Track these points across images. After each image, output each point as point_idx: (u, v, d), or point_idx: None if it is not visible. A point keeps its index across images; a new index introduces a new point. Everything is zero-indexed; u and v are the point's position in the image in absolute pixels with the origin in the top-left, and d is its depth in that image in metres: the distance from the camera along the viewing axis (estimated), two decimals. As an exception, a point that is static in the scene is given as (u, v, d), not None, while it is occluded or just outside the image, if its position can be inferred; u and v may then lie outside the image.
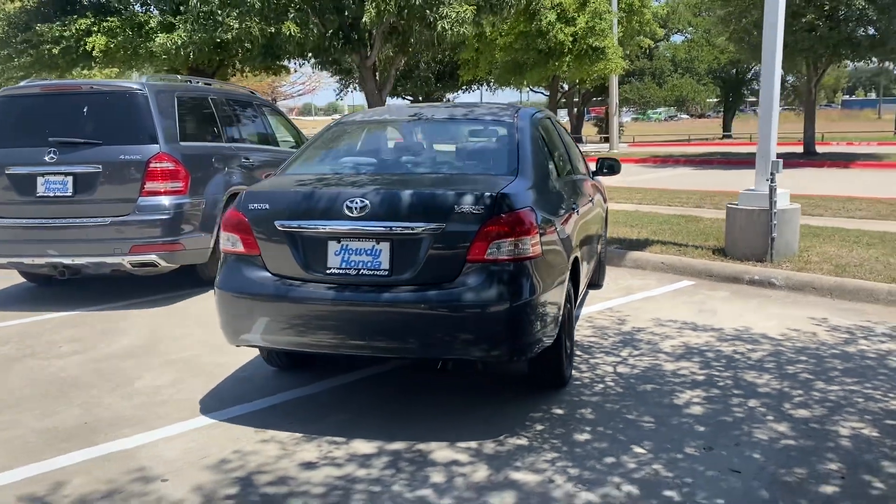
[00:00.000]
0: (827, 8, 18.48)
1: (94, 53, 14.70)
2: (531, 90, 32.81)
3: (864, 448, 3.53)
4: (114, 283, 7.29)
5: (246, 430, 3.88)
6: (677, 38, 44.18)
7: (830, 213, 10.26)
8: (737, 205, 7.56)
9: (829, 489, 3.16)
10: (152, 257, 6.37)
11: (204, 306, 6.45)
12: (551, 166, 4.48)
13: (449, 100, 41.09)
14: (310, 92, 43.23)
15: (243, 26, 10.71)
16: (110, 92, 6.59)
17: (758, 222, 7.29)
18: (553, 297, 3.85)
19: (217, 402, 4.25)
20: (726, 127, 45.10)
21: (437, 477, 3.33)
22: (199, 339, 5.46)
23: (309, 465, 3.47)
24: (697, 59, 42.80)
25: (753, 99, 54.24)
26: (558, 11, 23.64)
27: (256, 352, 5.06)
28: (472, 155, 4.41)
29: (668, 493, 3.15)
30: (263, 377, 4.65)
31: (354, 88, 36.06)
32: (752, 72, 49.15)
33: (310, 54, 11.82)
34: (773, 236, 7.19)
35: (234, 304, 3.88)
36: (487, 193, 3.62)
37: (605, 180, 7.76)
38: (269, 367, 4.75)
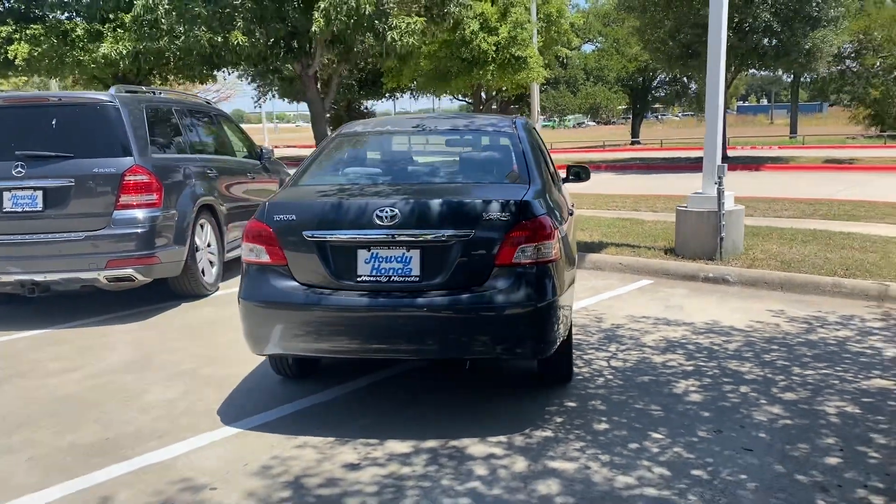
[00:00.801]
0: (736, 20, 19.61)
1: (17, 62, 14.10)
2: (455, 98, 33.27)
3: (851, 424, 3.93)
4: (81, 300, 7.12)
5: (276, 437, 3.96)
6: (588, 48, 45.65)
7: (759, 214, 10.97)
8: (686, 207, 8.05)
9: (832, 461, 3.53)
10: (129, 271, 6.29)
11: (185, 319, 6.41)
12: (549, 174, 4.74)
13: (367, 108, 41.18)
14: (225, 99, 42.30)
15: (190, 35, 10.57)
16: (79, 104, 6.46)
17: (707, 223, 7.79)
18: (567, 298, 4.11)
19: (236, 412, 4.30)
20: (634, 133, 46.88)
21: (481, 470, 3.52)
22: (193, 353, 5.45)
23: (353, 467, 3.59)
24: (607, 68, 44.36)
25: (658, 106, 56.68)
26: (481, 21, 24.10)
27: (257, 362, 5.12)
28: (483, 164, 4.62)
29: (695, 472, 3.44)
30: (273, 386, 4.71)
31: (273, 96, 35.65)
32: (658, 80, 51.37)
33: (251, 63, 11.75)
34: (721, 236, 7.70)
35: (261, 314, 3.96)
36: (512, 201, 3.84)
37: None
38: (276, 376, 4.82)
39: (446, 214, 3.80)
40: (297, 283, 3.93)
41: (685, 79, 49.49)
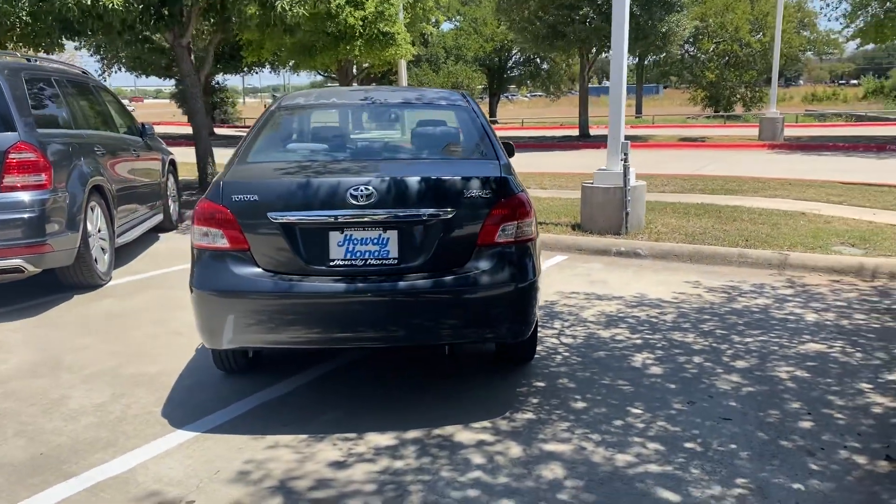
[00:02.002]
0: (600, 2, 20.31)
1: None
2: (320, 74, 32.29)
3: (807, 387, 4.12)
4: (-51, 295, 6.25)
5: (240, 438, 3.61)
6: (446, 27, 45.83)
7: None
8: (592, 183, 8.21)
9: (806, 424, 3.67)
10: (17, 262, 5.58)
11: (83, 313, 5.78)
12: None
13: (219, 83, 39.19)
14: (61, 72, 38.64)
15: (54, -1, 9.44)
16: (-52, 72, 5.61)
17: (613, 199, 7.99)
18: (540, 277, 4.03)
19: (184, 414, 3.90)
20: (492, 112, 47.75)
21: (477, 458, 3.38)
22: (106, 350, 4.91)
23: (339, 465, 3.34)
24: (465, 47, 44.79)
25: (513, 86, 57.98)
26: (347, -6, 23.51)
27: (186, 357, 4.71)
28: (445, 139, 4.41)
29: (688, 445, 3.47)
30: (215, 383, 4.32)
31: (120, 69, 33.17)
32: (513, 60, 52.52)
33: (118, 31, 10.71)
34: (627, 211, 7.92)
35: (221, 304, 3.59)
36: (492, 178, 3.68)
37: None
38: (216, 371, 4.43)
39: (425, 192, 3.59)
40: (261, 270, 3.58)
41: (538, 59, 51.01)
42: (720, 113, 40.60)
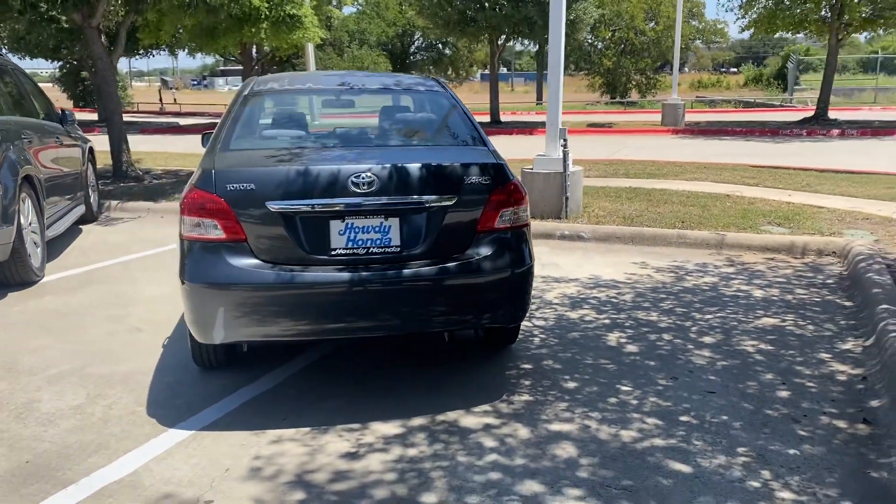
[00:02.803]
0: (510, -10, 20.55)
1: None
2: (222, 57, 31.11)
3: (774, 359, 4.38)
4: None
5: (241, 435, 3.52)
6: (348, 10, 45.24)
7: (569, 174, 11.69)
8: (532, 169, 8.36)
9: (783, 393, 3.91)
10: (-50, 259, 5.18)
11: (24, 313, 5.44)
12: None
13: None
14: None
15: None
16: None
17: (553, 184, 8.17)
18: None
19: (173, 413, 3.75)
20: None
21: (489, 441, 3.42)
22: (64, 350, 4.66)
23: (352, 456, 3.31)
24: (367, 31, 44.40)
25: (413, 72, 57.81)
26: (252, -24, 22.80)
27: (155, 355, 4.55)
28: (430, 124, 4.37)
29: (684, 418, 3.63)
30: (196, 379, 4.18)
31: (2, 51, 30.90)
32: (416, 45, 52.49)
33: (20, 11, 9.98)
34: (567, 195, 8.12)
35: (217, 298, 3.46)
36: (490, 164, 3.71)
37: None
38: (194, 367, 4.28)
39: (426, 179, 3.58)
40: (259, 261, 3.48)
41: (440, 45, 51.17)
42: (617, 99, 41.92)
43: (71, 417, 3.72)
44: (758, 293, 5.70)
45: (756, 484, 3.03)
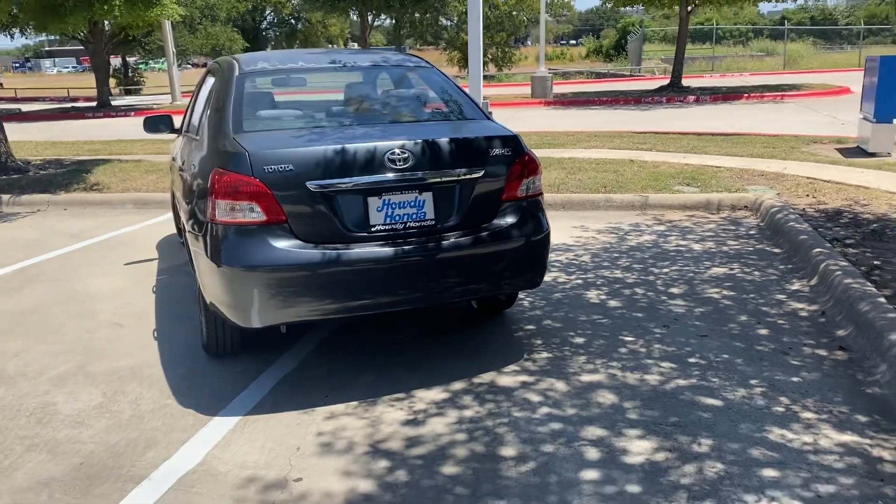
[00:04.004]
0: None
1: None
2: (69, 36, 28.76)
3: (741, 303, 4.87)
4: None
5: (291, 415, 3.55)
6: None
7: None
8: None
9: (763, 331, 4.39)
10: None
11: (-22, 316, 5.06)
12: None
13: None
14: None
15: None
16: None
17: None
18: None
19: (206, 402, 3.71)
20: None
21: (534, 396, 3.65)
22: (51, 351, 4.43)
23: (415, 422, 3.43)
24: (217, 7, 42.62)
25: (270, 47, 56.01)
26: (102, -50, 21.34)
27: (147, 347, 4.47)
28: (434, 100, 4.44)
29: (692, 360, 4.02)
30: (212, 368, 4.12)
31: None
32: (267, 20, 51.03)
33: None
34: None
35: (260, 281, 3.44)
36: (508, 136, 3.89)
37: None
38: (202, 356, 4.24)
39: (456, 153, 3.72)
40: (301, 242, 3.50)
41: (293, 20, 50.05)
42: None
43: (100, 417, 3.59)
44: (696, 246, 6.24)
45: (780, 409, 3.44)
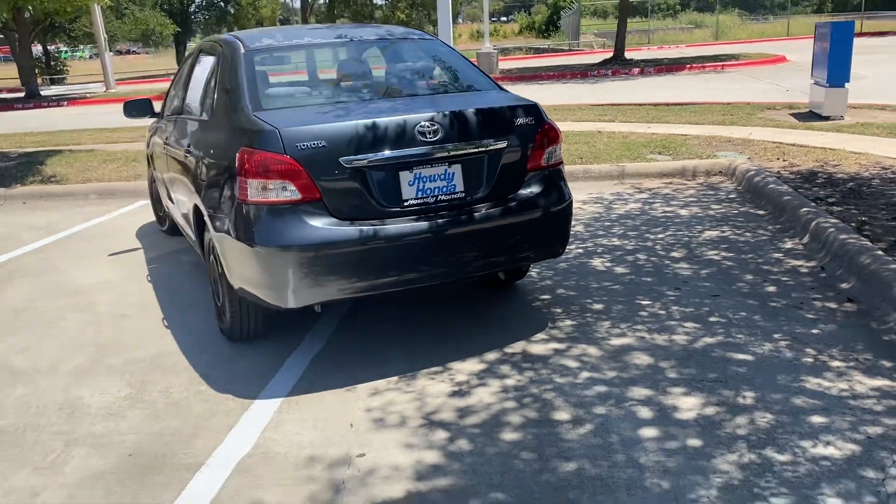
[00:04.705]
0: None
1: None
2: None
3: (742, 263, 5.00)
4: None
5: (333, 393, 3.52)
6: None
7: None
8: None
9: (771, 288, 4.53)
10: None
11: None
12: None
13: None
14: None
15: None
16: None
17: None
18: None
19: (242, 386, 3.64)
20: (179, 61, 44.88)
21: (571, 363, 3.70)
22: (59, 345, 4.29)
23: (461, 393, 3.45)
24: (142, -9, 41.21)
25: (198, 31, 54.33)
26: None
27: (159, 336, 4.38)
28: (447, 72, 4.39)
29: (712, 319, 4.12)
30: (237, 353, 4.05)
31: None
32: (196, 4, 49.52)
33: None
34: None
35: (297, 259, 3.39)
36: (529, 105, 3.90)
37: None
38: (222, 341, 4.18)
39: (482, 124, 3.71)
40: (336, 219, 3.45)
41: (222, 3, 48.73)
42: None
43: (133, 408, 3.49)
44: (683, 212, 6.38)
45: (809, 360, 3.58)
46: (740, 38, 33.59)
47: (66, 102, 23.03)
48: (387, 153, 3.47)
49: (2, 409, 3.54)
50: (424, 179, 3.58)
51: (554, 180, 3.96)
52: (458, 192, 3.66)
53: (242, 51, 4.12)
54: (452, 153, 3.61)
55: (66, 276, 5.59)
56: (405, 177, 3.54)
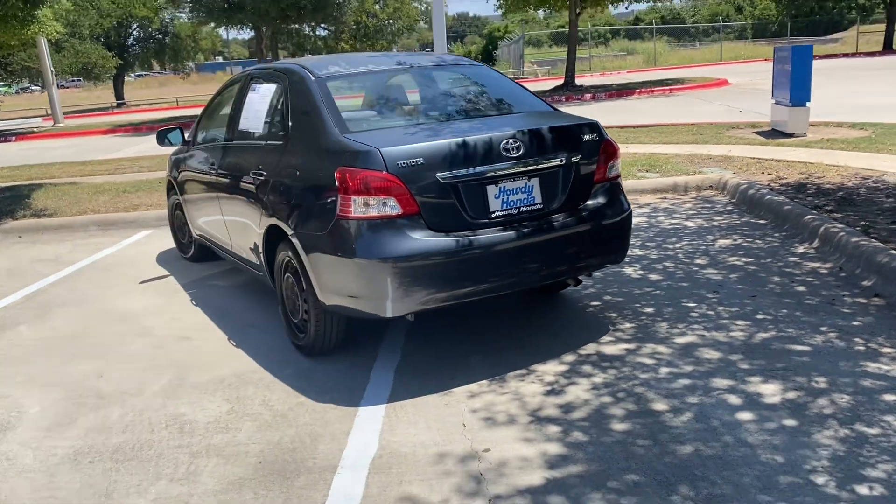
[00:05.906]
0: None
1: None
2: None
3: (765, 266, 5.37)
4: None
5: (433, 397, 3.70)
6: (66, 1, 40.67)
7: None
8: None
9: (801, 288, 4.89)
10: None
11: (13, 342, 4.82)
12: None
13: None
14: None
15: None
16: None
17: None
18: None
19: (343, 396, 3.79)
20: (118, 94, 44.17)
21: (646, 360, 3.96)
22: (134, 368, 4.34)
23: (553, 392, 3.66)
24: (79, 24, 40.50)
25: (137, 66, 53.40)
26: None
27: (233, 355, 4.46)
28: (508, 94, 4.64)
29: (759, 317, 4.43)
30: (315, 366, 4.18)
31: None
32: (133, 37, 48.80)
33: None
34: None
35: (398, 270, 3.58)
36: (591, 123, 4.19)
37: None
38: (297, 356, 4.32)
39: (556, 140, 3.98)
40: (433, 231, 3.66)
41: (161, 35, 48.16)
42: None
43: (241, 421, 3.60)
44: (689, 224, 6.78)
45: (861, 347, 3.93)
46: (673, 64, 35.05)
47: (13, 138, 22.45)
48: (478, 168, 3.71)
49: (109, 429, 3.60)
50: (508, 192, 3.83)
51: (616, 191, 4.25)
52: (537, 204, 3.91)
53: (312, 78, 4.31)
54: (532, 167, 3.87)
55: (107, 304, 5.60)
56: (491, 190, 3.78)
